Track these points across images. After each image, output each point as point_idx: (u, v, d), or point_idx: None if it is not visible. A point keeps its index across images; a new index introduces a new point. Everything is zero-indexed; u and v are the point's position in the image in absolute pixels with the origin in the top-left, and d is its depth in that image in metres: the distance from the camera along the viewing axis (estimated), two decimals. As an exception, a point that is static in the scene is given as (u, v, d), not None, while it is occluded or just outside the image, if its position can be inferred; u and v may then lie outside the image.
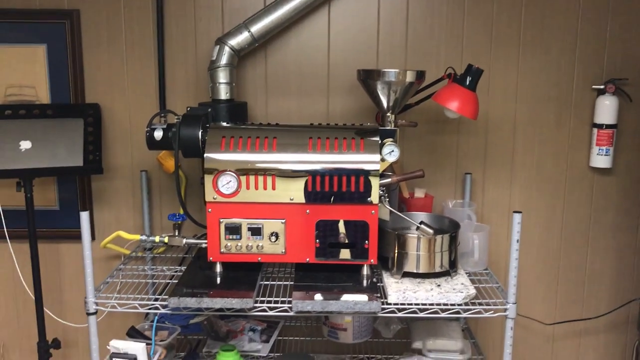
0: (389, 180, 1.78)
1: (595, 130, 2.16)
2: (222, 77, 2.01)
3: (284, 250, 1.75)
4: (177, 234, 2.04)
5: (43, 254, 2.28)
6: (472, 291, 1.71)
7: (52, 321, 2.30)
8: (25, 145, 2.00)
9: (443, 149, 2.22)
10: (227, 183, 1.71)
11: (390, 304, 1.67)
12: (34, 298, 2.10)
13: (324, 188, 1.70)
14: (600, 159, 2.17)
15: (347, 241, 1.74)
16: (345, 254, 1.75)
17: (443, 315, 1.68)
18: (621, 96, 2.15)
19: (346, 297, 1.64)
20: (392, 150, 1.74)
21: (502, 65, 2.17)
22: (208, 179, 1.71)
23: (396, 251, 1.79)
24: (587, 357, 2.37)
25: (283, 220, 1.73)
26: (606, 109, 2.13)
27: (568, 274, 2.31)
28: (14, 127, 2.01)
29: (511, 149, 2.23)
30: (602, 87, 2.14)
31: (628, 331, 2.35)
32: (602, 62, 2.17)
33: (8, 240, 2.21)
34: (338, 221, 1.73)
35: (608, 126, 2.14)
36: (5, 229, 2.19)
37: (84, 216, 1.69)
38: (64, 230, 2.26)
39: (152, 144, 1.81)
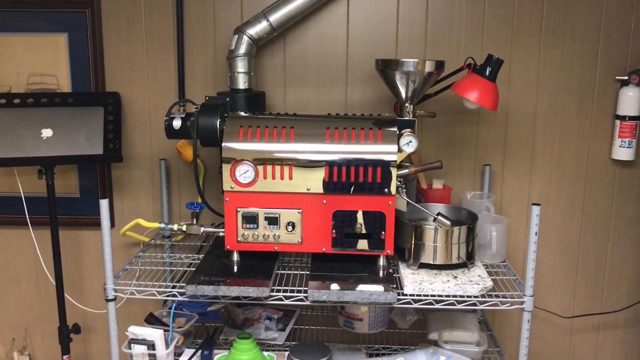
0: (407, 171, 1.77)
1: (617, 122, 2.13)
2: (241, 66, 2.01)
3: (300, 240, 1.75)
4: (195, 222, 2.05)
5: (64, 241, 2.32)
6: (489, 283, 1.70)
7: (72, 306, 2.34)
8: (47, 133, 2.02)
9: (462, 140, 2.21)
10: (244, 172, 1.72)
11: (406, 295, 1.67)
12: (54, 284, 2.13)
13: (341, 178, 1.70)
14: (623, 151, 2.13)
15: (363, 232, 1.73)
16: (361, 244, 1.75)
17: (459, 307, 1.67)
18: (645, 87, 2.11)
19: (362, 287, 1.64)
20: (410, 141, 1.73)
21: (523, 55, 2.14)
22: (226, 168, 1.72)
23: (413, 242, 1.78)
24: (606, 351, 2.35)
25: (300, 210, 1.73)
26: (629, 101, 2.10)
27: (588, 267, 2.29)
28: (36, 115, 2.04)
29: (531, 140, 2.20)
30: (625, 78, 2.10)
31: (648, 326, 2.32)
32: (626, 52, 2.13)
33: (30, 226, 2.25)
34: (355, 211, 1.73)
35: (631, 118, 2.10)
36: (27, 216, 2.23)
37: (104, 204, 1.71)
38: (84, 217, 2.30)
39: (170, 133, 1.83)
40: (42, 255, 2.30)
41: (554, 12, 2.11)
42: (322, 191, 1.71)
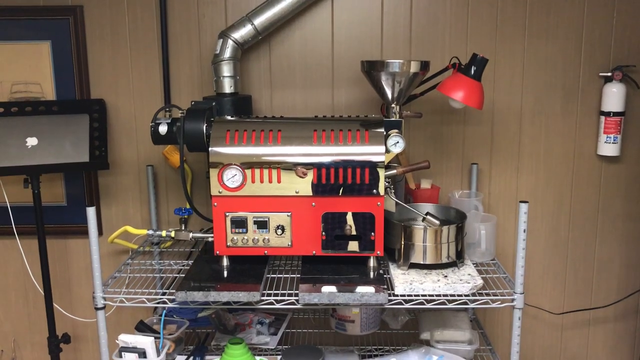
0: (395, 171, 1.78)
1: (602, 118, 2.14)
2: (226, 70, 2.01)
3: (290, 243, 1.75)
4: (183, 228, 2.05)
5: (52, 250, 2.30)
6: (479, 282, 1.71)
7: (61, 316, 2.32)
8: (32, 141, 2.01)
9: (449, 139, 2.21)
10: (232, 177, 1.71)
11: (397, 295, 1.67)
12: (43, 294, 2.11)
13: (330, 180, 1.70)
14: (608, 147, 2.15)
15: (353, 233, 1.73)
16: (351, 246, 1.75)
17: (450, 306, 1.67)
18: (629, 83, 2.13)
19: (353, 289, 1.64)
20: (397, 142, 1.73)
21: (508, 54, 2.15)
22: (213, 173, 1.71)
23: (402, 242, 1.79)
24: (596, 346, 2.37)
25: (289, 213, 1.73)
26: (613, 97, 2.11)
27: (577, 263, 2.30)
28: (21, 123, 2.02)
29: (518, 138, 2.21)
30: (609, 74, 2.12)
31: (638, 319, 2.34)
32: (609, 49, 2.15)
33: (17, 236, 2.22)
34: (344, 213, 1.73)
35: (615, 114, 2.12)
36: (13, 226, 2.21)
37: (90, 212, 1.70)
38: (72, 225, 2.28)
39: (157, 138, 1.82)
40: (29, 265, 2.27)
41: (537, 11, 2.12)
42: (310, 194, 1.71)
